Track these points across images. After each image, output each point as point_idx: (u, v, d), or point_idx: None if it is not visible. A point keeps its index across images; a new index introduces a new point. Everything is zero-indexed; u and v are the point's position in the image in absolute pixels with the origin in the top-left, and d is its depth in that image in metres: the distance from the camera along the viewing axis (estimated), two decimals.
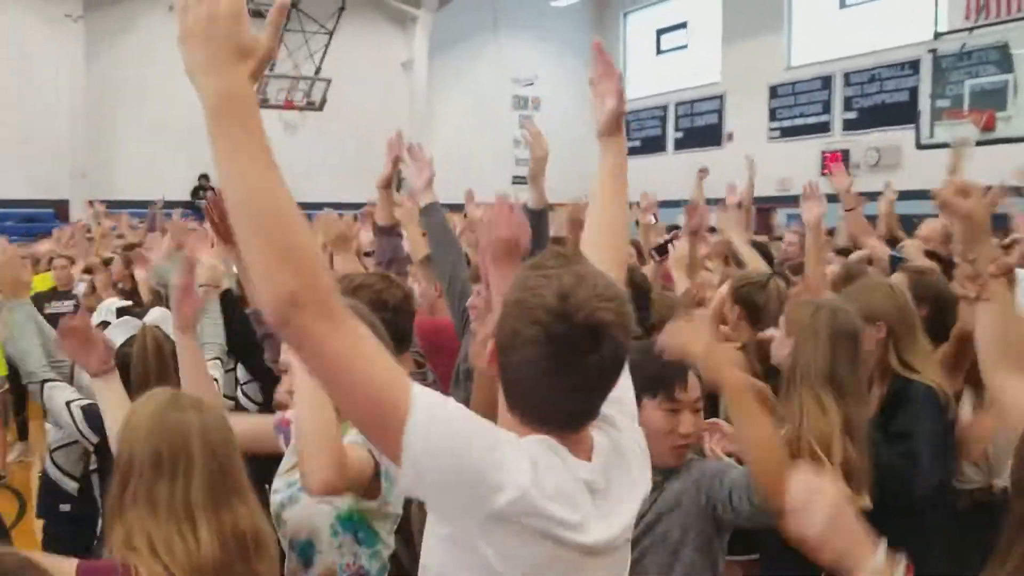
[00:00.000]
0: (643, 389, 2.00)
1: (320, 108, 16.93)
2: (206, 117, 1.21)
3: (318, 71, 16.68)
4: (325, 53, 16.72)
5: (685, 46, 20.57)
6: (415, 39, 19.70)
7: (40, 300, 6.31)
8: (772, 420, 2.24)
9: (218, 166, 1.21)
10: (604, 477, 1.43)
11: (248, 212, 1.21)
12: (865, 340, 2.73)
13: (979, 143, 11.59)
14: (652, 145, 21.27)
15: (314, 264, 1.24)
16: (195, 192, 17.94)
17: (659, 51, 21.41)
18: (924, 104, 14.74)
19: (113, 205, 17.53)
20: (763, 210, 15.33)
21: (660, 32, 21.32)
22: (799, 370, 2.61)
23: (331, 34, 16.77)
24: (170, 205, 17.51)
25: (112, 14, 17.37)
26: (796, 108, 17.51)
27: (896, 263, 5.19)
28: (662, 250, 5.30)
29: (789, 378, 2.64)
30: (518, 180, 22.10)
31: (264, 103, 16.55)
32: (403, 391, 1.28)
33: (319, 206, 18.39)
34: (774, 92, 17.94)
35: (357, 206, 19.02)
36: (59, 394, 2.98)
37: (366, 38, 19.26)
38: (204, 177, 18.01)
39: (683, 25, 20.56)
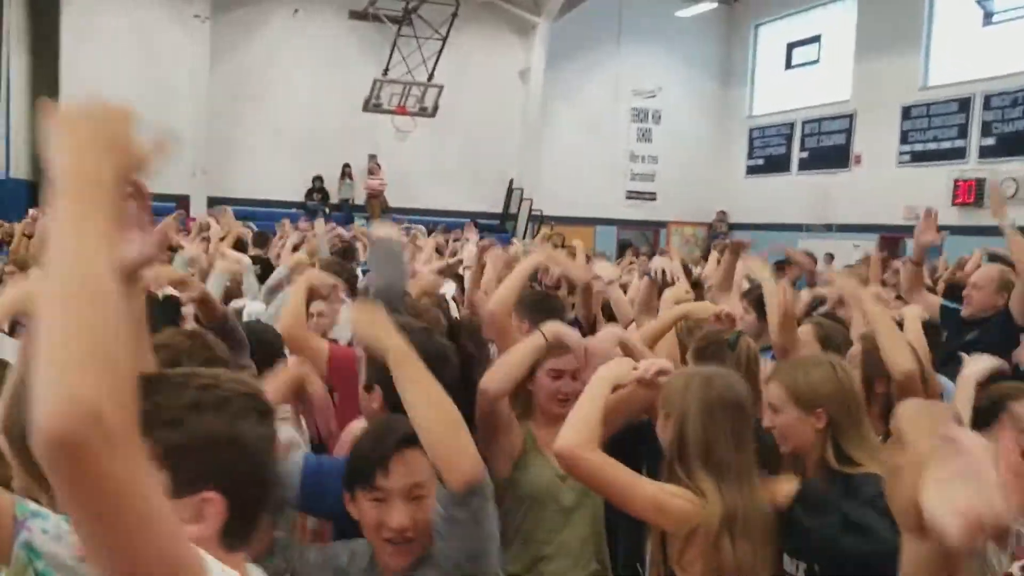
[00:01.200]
0: (350, 481, 1.94)
1: (432, 114, 16.95)
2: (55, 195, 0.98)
3: (431, 77, 16.70)
4: (438, 59, 16.71)
5: (816, 61, 19.55)
6: (533, 47, 19.48)
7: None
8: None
9: (52, 243, 0.95)
10: None
11: (67, 290, 0.90)
12: (798, 427, 2.36)
13: None
14: (775, 164, 20.35)
15: (128, 380, 0.91)
16: (308, 194, 18.30)
17: (788, 65, 20.45)
18: None
19: (230, 203, 18.17)
20: (888, 240, 14.32)
21: (791, 46, 20.36)
22: (672, 452, 2.25)
23: (444, 40, 16.74)
24: (283, 205, 18.09)
25: (238, 17, 17.94)
26: (930, 131, 16.29)
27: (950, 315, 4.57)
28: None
29: (667, 463, 2.27)
30: (632, 195, 21.61)
31: (377, 107, 16.72)
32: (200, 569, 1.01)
33: (429, 212, 18.68)
34: (907, 113, 16.76)
35: (465, 214, 19.18)
36: None
37: (482, 45, 19.21)
38: (318, 179, 18.36)
39: (816, 39, 19.55)
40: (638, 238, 20.86)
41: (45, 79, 17.77)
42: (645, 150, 21.69)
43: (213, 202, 17.69)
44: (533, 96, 19.59)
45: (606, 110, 20.77)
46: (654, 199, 21.78)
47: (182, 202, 17.52)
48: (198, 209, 17.52)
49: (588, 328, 4.36)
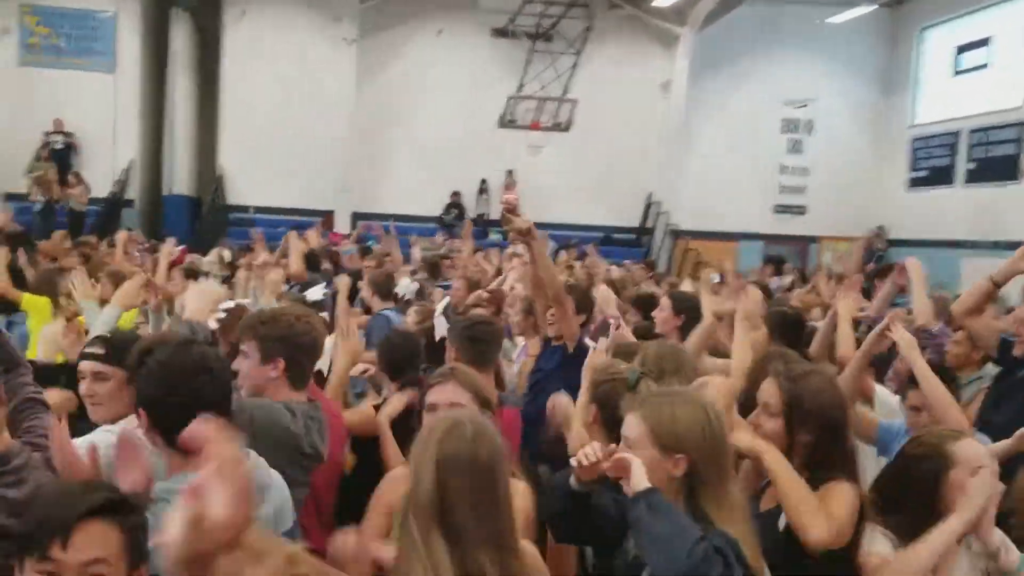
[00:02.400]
0: (21, 547, 1.66)
1: (566, 129, 16.87)
2: None
3: (565, 92, 16.63)
4: (572, 74, 16.61)
5: (985, 65, 18.05)
6: (676, 59, 19.02)
7: None
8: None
9: None
10: None
11: None
12: (653, 469, 2.07)
13: None
14: (939, 176, 18.93)
15: None
16: (447, 209, 18.63)
17: (957, 71, 18.99)
18: None
19: (372, 218, 18.78)
20: None
21: (960, 49, 18.91)
22: (408, 503, 1.96)
23: (579, 55, 16.63)
24: (422, 220, 18.50)
25: (384, 39, 18.52)
26: None
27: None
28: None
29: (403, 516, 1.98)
30: (781, 209, 20.71)
31: (512, 123, 16.81)
32: None
33: (563, 227, 18.61)
34: None
35: (601, 228, 18.98)
36: None
37: (620, 58, 18.93)
38: (456, 194, 18.66)
39: (985, 42, 18.05)
40: (791, 255, 19.92)
41: (207, 99, 19.04)
42: (795, 162, 20.74)
43: (357, 217, 18.36)
44: (675, 108, 19.12)
45: (753, 121, 20.01)
46: (804, 213, 20.78)
47: (327, 217, 18.31)
48: (342, 224, 18.23)
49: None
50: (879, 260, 17.13)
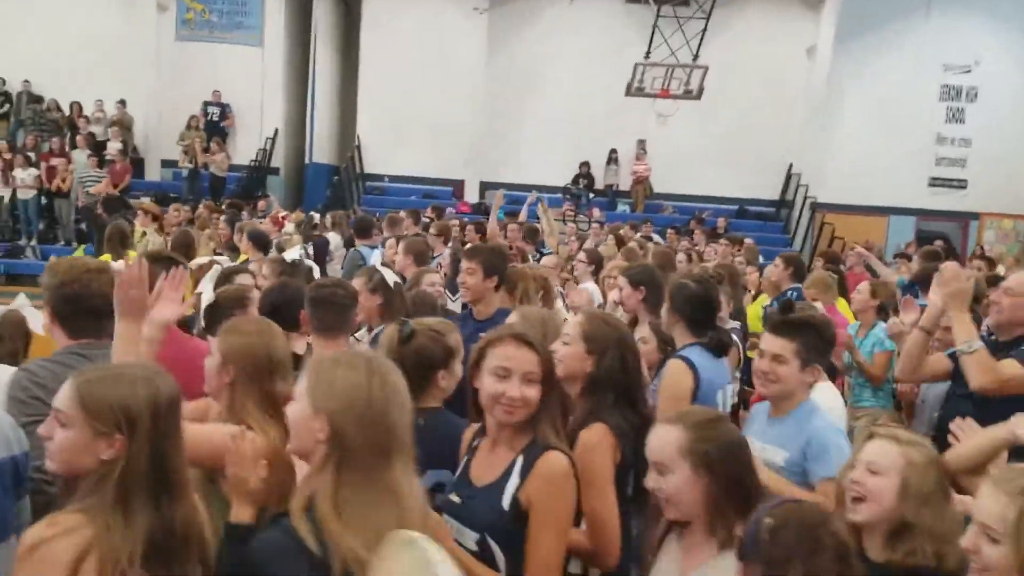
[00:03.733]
0: None
1: (697, 97, 16.26)
2: None
3: (695, 58, 16.03)
4: (702, 39, 15.98)
5: None
6: (821, 22, 17.96)
7: None
8: None
9: None
10: None
11: None
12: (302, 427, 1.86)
13: None
14: None
15: None
16: (575, 179, 18.46)
17: None
18: None
19: (501, 188, 18.86)
20: None
21: None
22: None
23: (707, 18, 15.97)
24: (550, 191, 18.43)
25: (515, 8, 18.47)
26: None
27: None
28: None
29: None
30: (937, 182, 19.36)
31: (640, 91, 16.40)
32: None
33: (697, 198, 18.09)
34: None
35: (736, 200, 18.31)
36: None
37: (756, 22, 18.10)
38: (584, 165, 18.46)
39: None
40: (950, 232, 18.54)
41: (347, 71, 19.68)
42: (955, 132, 19.23)
43: (485, 187, 18.52)
44: (819, 74, 18.07)
45: (908, 88, 18.67)
46: (964, 187, 19.27)
47: (457, 187, 18.57)
48: (471, 194, 18.44)
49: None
50: None
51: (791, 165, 18.42)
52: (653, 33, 16.02)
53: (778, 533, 1.81)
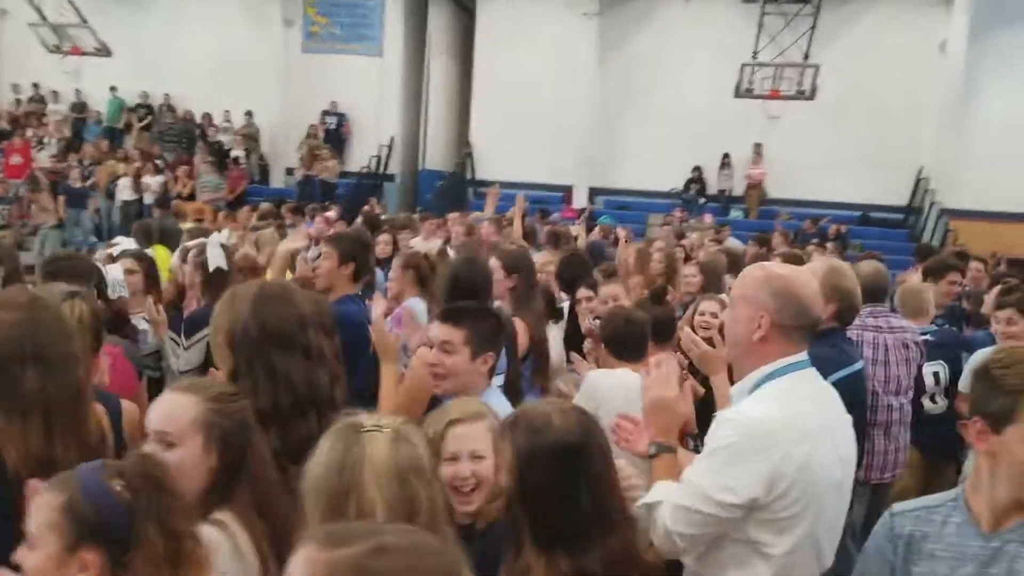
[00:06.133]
0: None
1: (811, 97, 15.51)
2: None
3: (806, 57, 15.29)
4: (811, 37, 15.21)
5: None
6: (953, 15, 16.72)
7: None
8: None
9: None
10: None
11: None
12: None
13: None
14: None
15: None
16: (687, 184, 18.00)
17: None
18: None
19: (610, 193, 18.67)
20: None
21: None
22: None
23: (816, 15, 15.19)
24: (662, 196, 18.09)
25: (626, 12, 18.21)
26: None
27: None
28: None
29: None
30: None
31: (749, 92, 15.82)
32: None
33: (815, 204, 17.28)
34: None
35: (858, 206, 17.32)
36: None
37: (877, 16, 17.03)
38: (697, 169, 17.96)
39: None
40: None
41: (461, 79, 19.98)
42: None
43: (594, 192, 18.35)
44: (953, 73, 16.82)
45: None
46: None
47: (566, 193, 18.48)
48: (580, 200, 18.31)
49: None
50: None
51: (921, 168, 17.25)
52: (759, 32, 15.42)
53: None
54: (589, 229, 12.74)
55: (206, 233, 8.18)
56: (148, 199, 16.28)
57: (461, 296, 3.56)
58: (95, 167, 17.18)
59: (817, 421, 2.20)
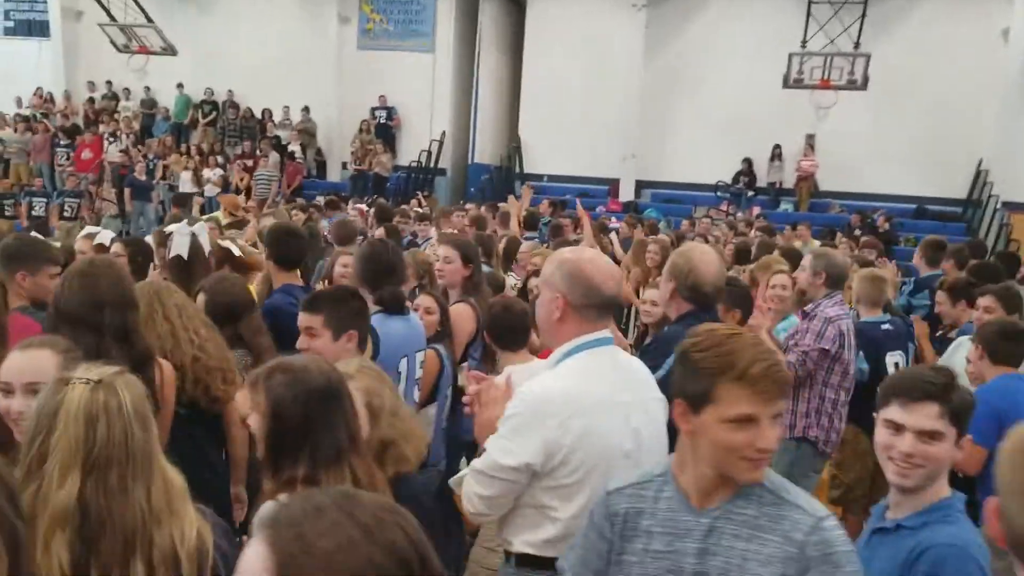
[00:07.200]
0: None
1: (863, 87, 15.14)
2: None
3: (856, 46, 14.92)
4: (862, 25, 14.83)
5: None
6: (1015, 2, 16.06)
7: None
8: None
9: None
10: None
11: None
12: None
13: None
14: None
15: None
16: (735, 177, 17.78)
17: None
18: None
19: (657, 186, 18.59)
20: None
21: None
22: None
23: (865, 3, 14.81)
24: (708, 189, 17.93)
25: (675, 5, 18.05)
26: None
27: None
28: None
29: None
30: None
31: (799, 83, 15.55)
32: None
33: (869, 197, 16.89)
34: None
35: (914, 199, 16.85)
36: None
37: (933, 4, 16.49)
38: (746, 162, 17.73)
39: None
40: None
41: (511, 75, 20.13)
42: None
43: (641, 185, 18.30)
44: (1016, 60, 16.17)
45: None
46: None
47: (612, 186, 18.47)
48: (626, 193, 18.29)
49: None
50: None
51: (981, 160, 16.67)
52: (808, 21, 15.12)
53: None
54: (632, 224, 12.64)
55: (241, 226, 8.56)
56: (209, 192, 16.92)
57: (375, 276, 3.77)
58: (159, 161, 17.98)
59: (603, 395, 2.32)
